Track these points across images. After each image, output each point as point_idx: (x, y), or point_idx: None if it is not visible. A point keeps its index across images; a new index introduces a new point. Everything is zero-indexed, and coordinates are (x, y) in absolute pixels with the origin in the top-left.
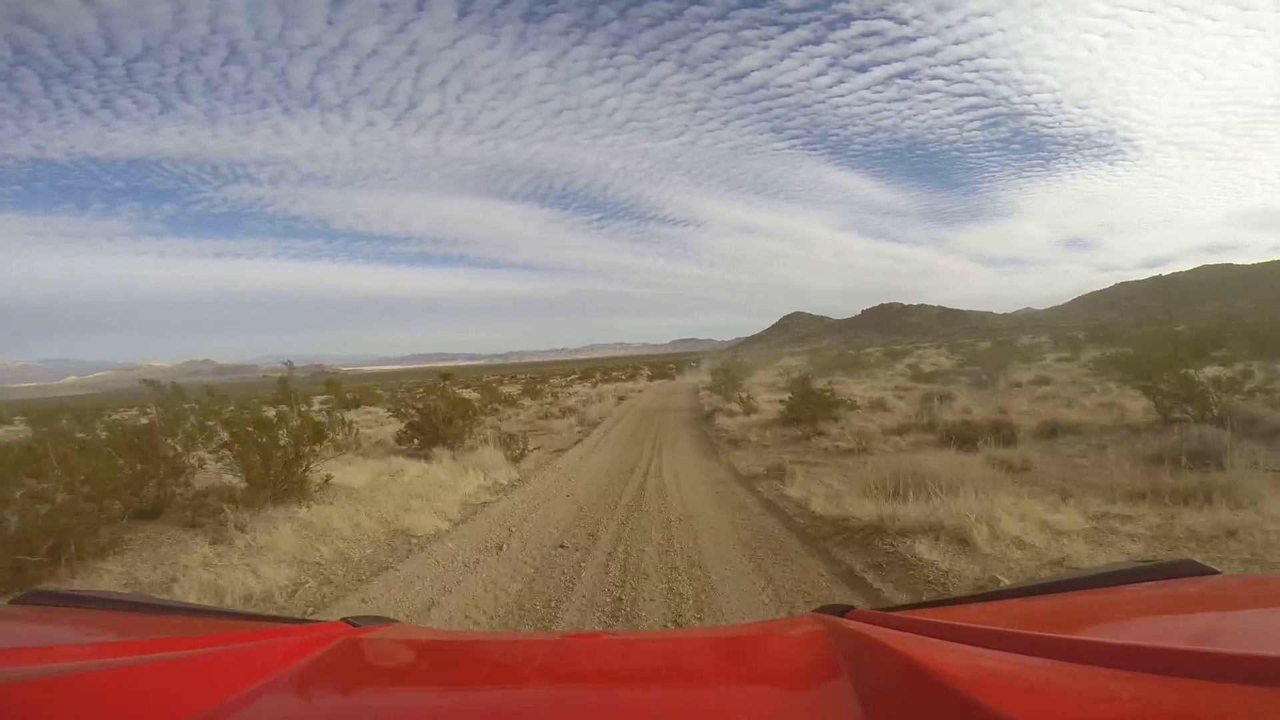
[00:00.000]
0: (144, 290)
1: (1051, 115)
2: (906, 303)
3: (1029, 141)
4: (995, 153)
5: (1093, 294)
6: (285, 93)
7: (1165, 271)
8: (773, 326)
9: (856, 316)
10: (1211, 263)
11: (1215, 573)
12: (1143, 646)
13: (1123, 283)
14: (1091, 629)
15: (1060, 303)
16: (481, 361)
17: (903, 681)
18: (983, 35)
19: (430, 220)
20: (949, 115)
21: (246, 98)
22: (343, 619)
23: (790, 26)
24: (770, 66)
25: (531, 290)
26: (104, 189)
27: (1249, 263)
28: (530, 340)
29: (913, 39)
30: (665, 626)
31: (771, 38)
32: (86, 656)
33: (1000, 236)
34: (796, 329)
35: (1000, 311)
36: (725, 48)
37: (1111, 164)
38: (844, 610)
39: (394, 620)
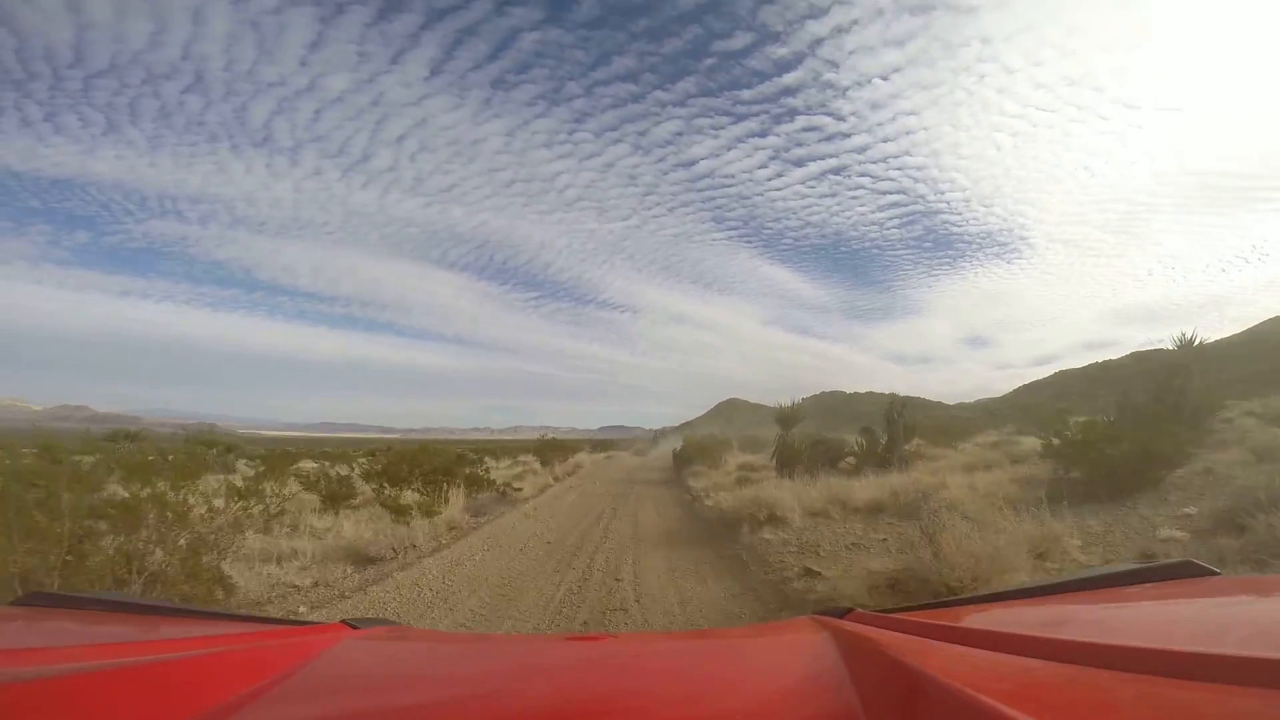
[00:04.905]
0: (29, 322)
1: (960, 214)
2: (848, 391)
3: (940, 239)
4: (910, 250)
5: (1035, 382)
6: (239, 129)
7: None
8: (708, 414)
9: (799, 405)
10: (1142, 349)
11: (1215, 573)
12: (1143, 647)
13: (1061, 371)
14: (1091, 630)
15: (993, 395)
16: (395, 435)
17: (903, 683)
18: (908, 134)
19: (362, 281)
20: (872, 212)
21: (198, 129)
22: (342, 620)
23: (741, 118)
24: (718, 156)
25: (458, 365)
26: (16, 206)
27: (1173, 348)
28: (451, 418)
29: (848, 135)
30: None
31: (722, 127)
32: (86, 657)
33: (910, 334)
34: (734, 416)
35: (934, 400)
36: (680, 134)
37: (1009, 262)
38: (844, 612)
39: (393, 622)
